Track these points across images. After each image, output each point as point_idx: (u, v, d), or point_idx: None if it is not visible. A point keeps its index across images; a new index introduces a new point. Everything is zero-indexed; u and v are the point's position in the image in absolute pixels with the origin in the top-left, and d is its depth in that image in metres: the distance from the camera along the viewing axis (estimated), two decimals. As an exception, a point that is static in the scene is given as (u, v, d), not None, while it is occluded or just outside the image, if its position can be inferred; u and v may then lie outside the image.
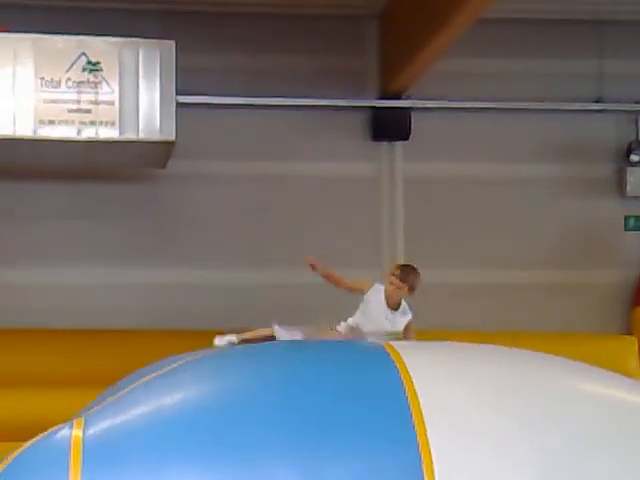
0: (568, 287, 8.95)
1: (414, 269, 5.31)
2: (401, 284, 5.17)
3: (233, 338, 4.90)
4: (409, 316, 5.27)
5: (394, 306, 5.24)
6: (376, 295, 5.25)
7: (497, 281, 8.86)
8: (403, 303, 5.26)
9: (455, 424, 3.33)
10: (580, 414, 3.56)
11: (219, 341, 4.96)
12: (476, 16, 7.31)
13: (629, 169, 9.10)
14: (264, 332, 4.90)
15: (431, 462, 3.17)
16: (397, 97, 8.88)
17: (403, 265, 5.51)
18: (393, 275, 5.23)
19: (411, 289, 5.22)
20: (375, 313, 5.25)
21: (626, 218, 9.22)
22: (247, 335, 4.93)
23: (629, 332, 8.80)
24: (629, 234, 9.18)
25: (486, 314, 8.38)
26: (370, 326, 5.20)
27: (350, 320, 5.20)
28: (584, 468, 3.37)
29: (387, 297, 5.22)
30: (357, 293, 5.29)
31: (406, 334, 5.25)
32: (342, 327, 5.19)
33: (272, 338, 4.85)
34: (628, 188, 9.08)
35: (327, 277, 5.33)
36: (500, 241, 8.93)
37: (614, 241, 9.17)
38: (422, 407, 3.29)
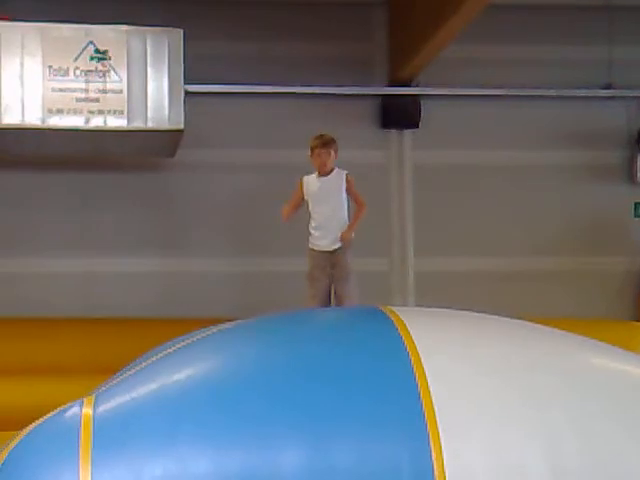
0: (577, 274, 8.94)
1: (327, 135, 6.18)
2: (325, 150, 6.04)
3: None
4: (344, 172, 6.12)
5: (328, 173, 6.07)
6: (308, 185, 6.13)
7: (506, 268, 8.84)
8: (335, 168, 6.13)
9: (462, 398, 3.34)
10: (592, 388, 3.56)
11: None
12: (486, 2, 7.28)
13: (639, 156, 9.09)
14: None
15: (438, 436, 3.19)
16: (406, 84, 8.84)
17: (318, 136, 6.20)
18: (316, 148, 6.06)
19: (336, 151, 6.11)
20: (311, 190, 6.13)
21: (636, 205, 9.19)
22: None
23: (637, 319, 8.80)
24: (638, 221, 9.16)
25: (494, 301, 8.35)
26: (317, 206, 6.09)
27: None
28: (590, 444, 3.36)
29: (320, 167, 6.07)
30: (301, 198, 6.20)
31: (349, 187, 6.13)
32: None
33: None
34: (638, 175, 9.07)
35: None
36: (509, 228, 8.91)
37: (623, 228, 9.14)
38: (429, 381, 3.30)
